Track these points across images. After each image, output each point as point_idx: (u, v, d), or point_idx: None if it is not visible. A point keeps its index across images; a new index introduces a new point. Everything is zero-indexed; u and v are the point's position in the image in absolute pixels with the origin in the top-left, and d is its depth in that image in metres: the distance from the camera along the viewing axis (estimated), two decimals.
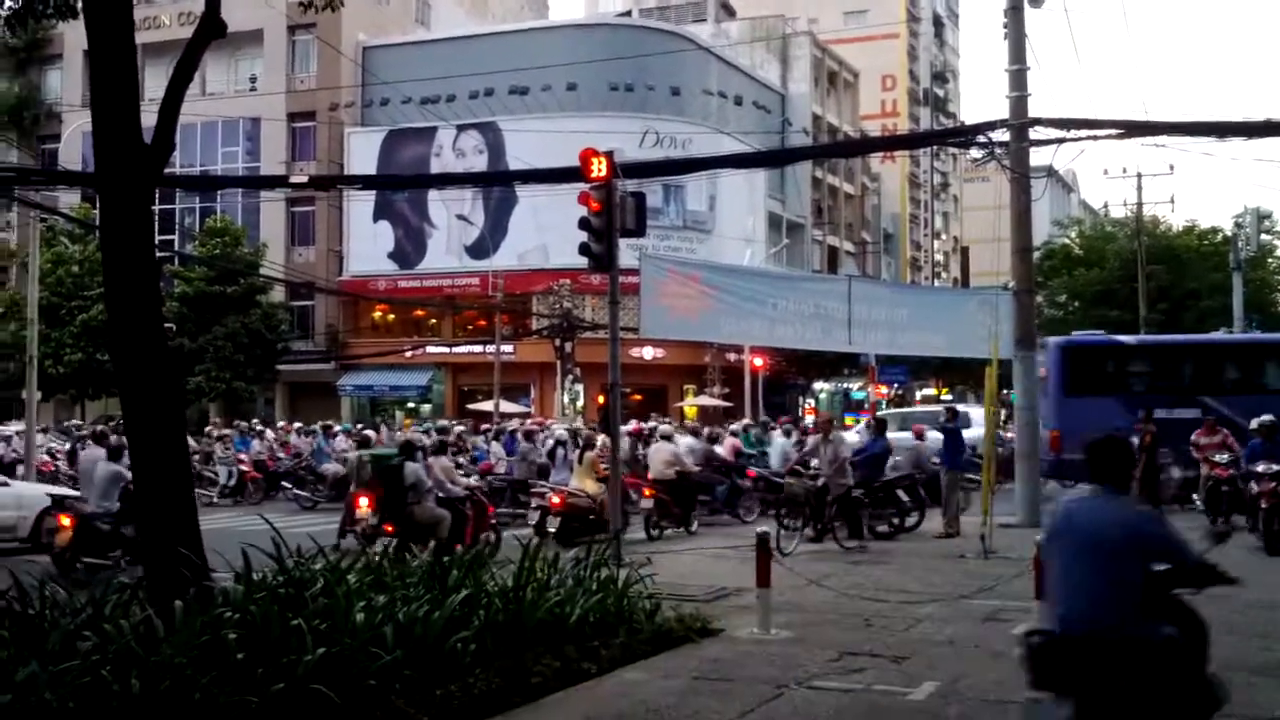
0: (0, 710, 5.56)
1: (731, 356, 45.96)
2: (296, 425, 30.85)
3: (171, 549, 7.76)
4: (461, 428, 27.51)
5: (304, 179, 31.47)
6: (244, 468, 25.41)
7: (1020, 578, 11.85)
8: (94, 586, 8.34)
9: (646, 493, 17.44)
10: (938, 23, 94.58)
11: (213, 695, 6.11)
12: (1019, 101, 18.93)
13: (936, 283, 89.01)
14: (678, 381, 49.21)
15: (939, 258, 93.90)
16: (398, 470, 13.90)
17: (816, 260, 63.70)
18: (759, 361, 45.26)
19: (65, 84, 51.25)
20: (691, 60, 50.19)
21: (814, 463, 16.34)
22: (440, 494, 14.43)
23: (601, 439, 17.95)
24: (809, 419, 42.89)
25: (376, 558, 9.54)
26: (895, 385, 58.54)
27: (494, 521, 15.91)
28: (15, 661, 6.24)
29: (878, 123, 78.89)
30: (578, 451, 18.24)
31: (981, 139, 18.53)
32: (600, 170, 13.71)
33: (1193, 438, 18.57)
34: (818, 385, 58.83)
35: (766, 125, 56.10)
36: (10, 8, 9.22)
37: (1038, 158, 19.56)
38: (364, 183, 37.92)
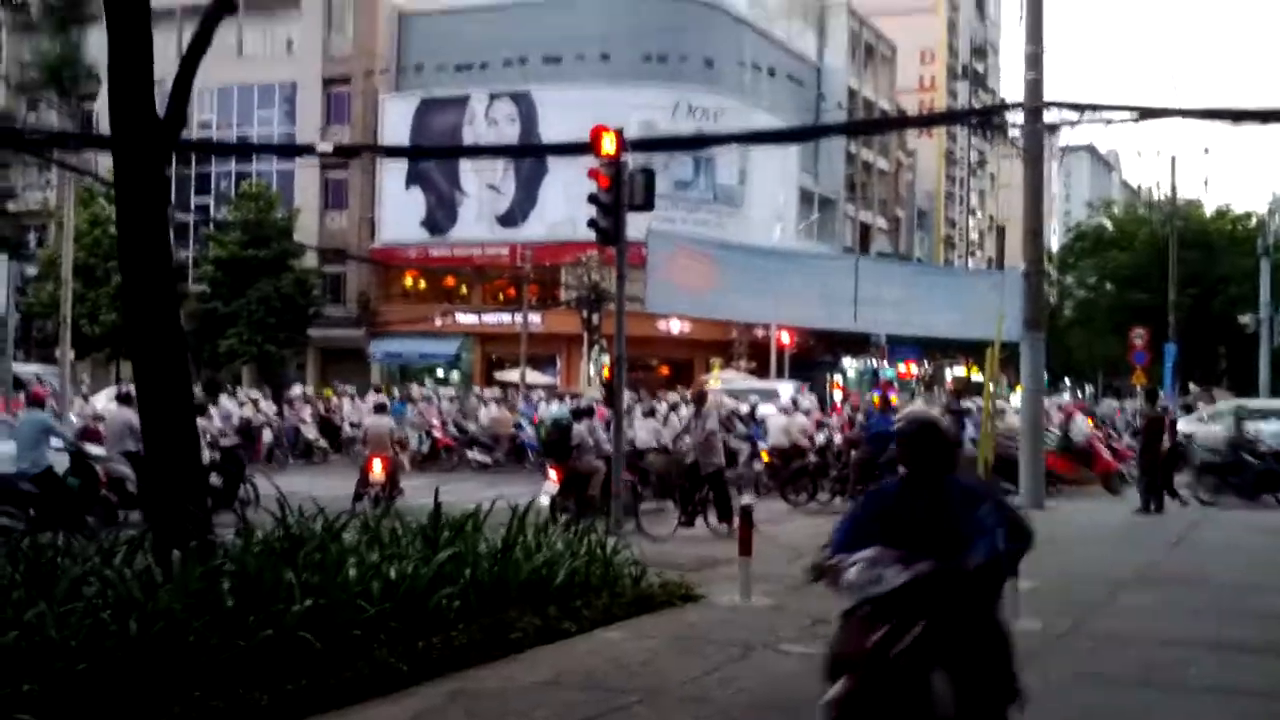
0: (7, 646, 6.01)
1: (759, 332, 46.04)
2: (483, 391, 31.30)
3: (176, 504, 8.22)
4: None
5: (328, 148, 31.93)
6: (436, 434, 24.52)
7: None
8: (103, 538, 8.88)
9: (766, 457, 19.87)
10: None
11: (204, 638, 6.58)
12: (1034, 84, 19.03)
13: (970, 261, 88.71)
14: (704, 355, 49.48)
15: (974, 236, 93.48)
16: (568, 429, 16.18)
17: (848, 236, 63.63)
18: (786, 338, 45.46)
19: (104, 44, 51.82)
20: (726, 31, 50.17)
21: (687, 439, 15.90)
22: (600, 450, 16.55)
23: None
24: (836, 395, 43.14)
25: (375, 519, 9.95)
26: (926, 365, 58.70)
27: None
28: (27, 603, 6.72)
29: (915, 98, 78.55)
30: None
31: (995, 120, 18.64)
32: (610, 147, 14.04)
33: None
34: (846, 362, 58.95)
35: (800, 98, 56.06)
36: None
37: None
38: (385, 153, 38.37)
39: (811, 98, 58.14)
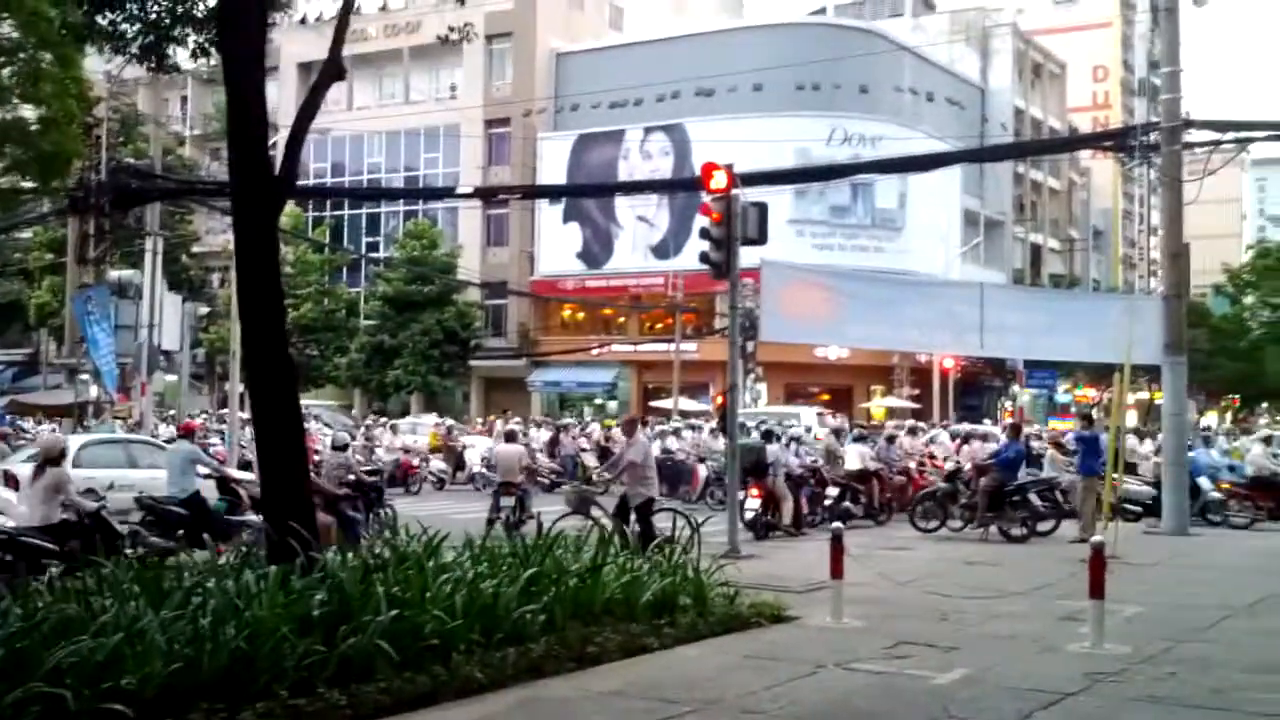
0: (115, 646, 6.74)
1: (923, 358, 45.41)
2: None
3: (284, 524, 8.93)
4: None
5: (469, 190, 33.25)
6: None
7: (1123, 581, 11.53)
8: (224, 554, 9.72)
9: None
10: (1156, 9, 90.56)
11: (292, 644, 7.21)
12: (1172, 104, 18.69)
13: (1152, 282, 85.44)
14: (864, 382, 49.12)
15: (1155, 255, 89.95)
16: (761, 451, 17.83)
17: (1018, 258, 62.25)
18: (949, 363, 44.69)
19: (281, 96, 54.94)
20: (883, 57, 49.84)
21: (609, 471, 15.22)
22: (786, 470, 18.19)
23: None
24: (1006, 421, 42.24)
25: (480, 540, 10.52)
26: (1102, 388, 56.84)
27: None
28: (144, 613, 7.48)
29: (1088, 115, 76.43)
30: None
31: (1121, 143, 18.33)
32: (720, 183, 14.44)
33: None
34: (1016, 388, 57.52)
35: (963, 120, 55.30)
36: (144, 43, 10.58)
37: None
38: (524, 193, 39.56)
39: (975, 119, 57.26)
